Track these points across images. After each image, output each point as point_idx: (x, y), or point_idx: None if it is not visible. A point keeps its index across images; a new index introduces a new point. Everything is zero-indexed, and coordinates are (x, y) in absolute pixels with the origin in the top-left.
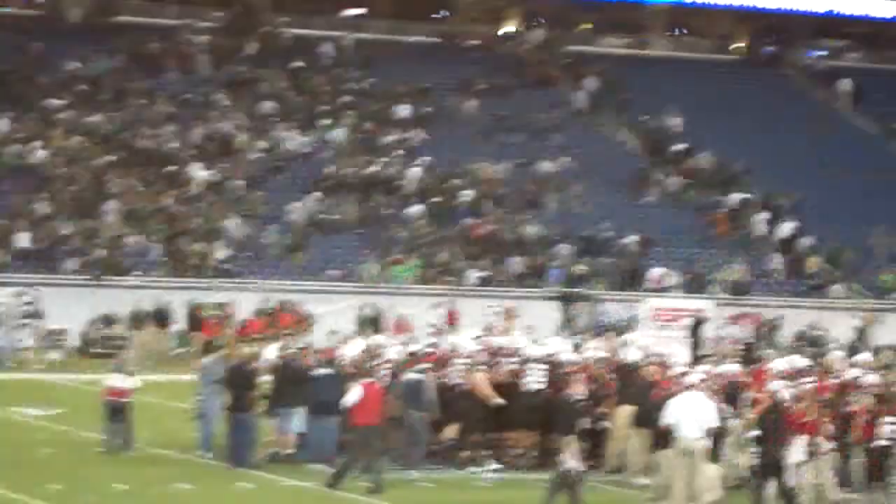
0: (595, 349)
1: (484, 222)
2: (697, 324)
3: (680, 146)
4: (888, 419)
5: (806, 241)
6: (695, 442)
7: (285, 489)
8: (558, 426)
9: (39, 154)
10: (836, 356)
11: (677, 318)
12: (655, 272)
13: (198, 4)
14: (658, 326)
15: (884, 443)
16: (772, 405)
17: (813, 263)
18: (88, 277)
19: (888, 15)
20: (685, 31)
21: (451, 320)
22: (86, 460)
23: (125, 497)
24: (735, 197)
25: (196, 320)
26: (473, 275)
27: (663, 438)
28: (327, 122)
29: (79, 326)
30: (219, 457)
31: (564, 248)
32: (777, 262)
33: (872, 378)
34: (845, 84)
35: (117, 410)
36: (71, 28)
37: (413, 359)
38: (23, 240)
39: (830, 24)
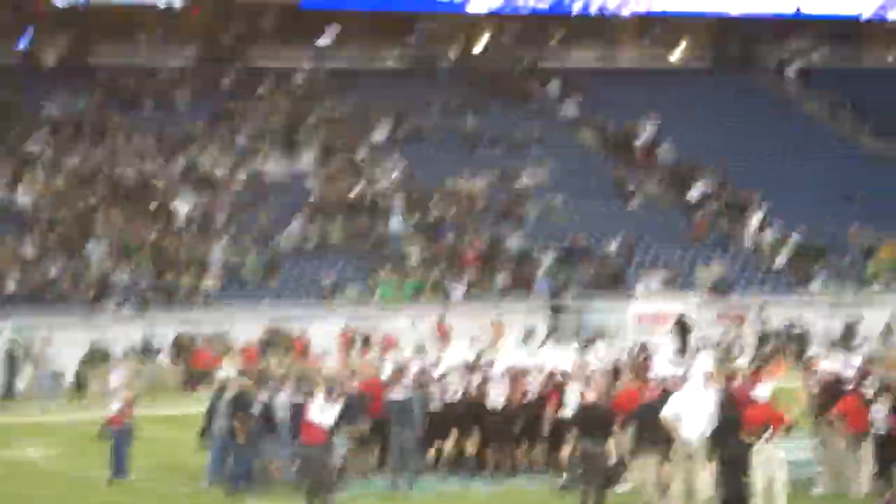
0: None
1: (468, 237)
2: (683, 325)
3: (642, 141)
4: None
5: (784, 237)
6: (695, 441)
7: None
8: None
9: (23, 198)
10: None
11: (661, 321)
12: (640, 279)
13: (172, 42)
14: (643, 330)
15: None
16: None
17: (792, 258)
18: (80, 316)
19: (857, 13)
20: (654, 40)
21: (442, 334)
22: (87, 496)
23: None
24: (700, 190)
25: (187, 351)
26: (460, 289)
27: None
28: (306, 148)
29: (73, 365)
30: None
31: (548, 259)
32: (756, 258)
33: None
34: (798, 75)
35: (116, 436)
36: (46, 72)
37: (400, 375)
38: (10, 283)
39: (799, 25)
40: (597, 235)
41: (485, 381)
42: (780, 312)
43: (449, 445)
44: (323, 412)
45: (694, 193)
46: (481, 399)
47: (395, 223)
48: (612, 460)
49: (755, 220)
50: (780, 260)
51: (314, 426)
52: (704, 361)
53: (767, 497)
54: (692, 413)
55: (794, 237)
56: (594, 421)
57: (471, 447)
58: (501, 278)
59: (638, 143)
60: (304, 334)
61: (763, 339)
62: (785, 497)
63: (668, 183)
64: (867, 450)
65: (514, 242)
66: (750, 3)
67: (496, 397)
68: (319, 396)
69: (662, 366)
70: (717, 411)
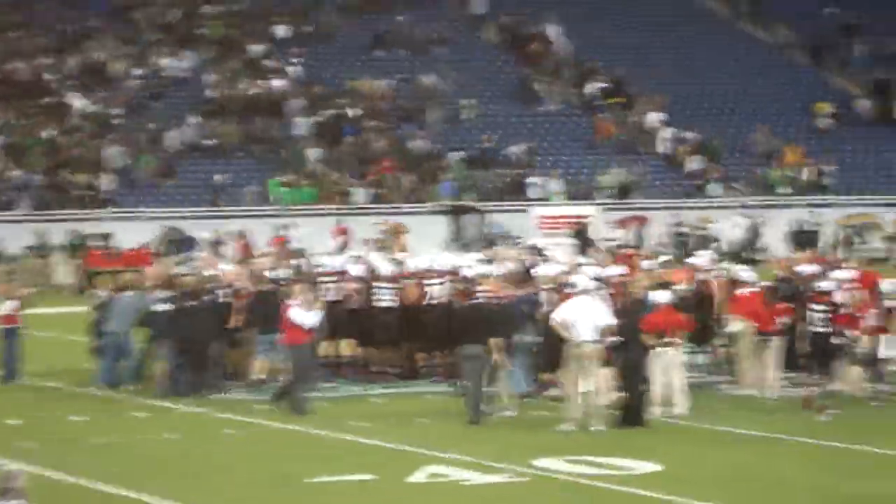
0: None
1: (370, 139)
2: (584, 229)
3: (542, 40)
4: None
5: (684, 140)
6: (589, 345)
7: (176, 416)
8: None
9: None
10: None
11: (563, 226)
12: (538, 181)
13: None
14: (544, 234)
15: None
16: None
17: (692, 162)
18: None
19: None
20: None
21: (341, 236)
22: None
23: (17, 431)
24: (596, 87)
25: (80, 251)
26: (362, 192)
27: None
28: (205, 45)
29: None
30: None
31: (451, 162)
32: (658, 162)
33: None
34: None
35: (7, 337)
36: None
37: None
38: None
39: None
40: (501, 140)
41: (374, 282)
42: (683, 215)
43: (332, 350)
44: (305, 314)
45: (590, 91)
46: (371, 301)
47: (295, 125)
48: (495, 360)
49: (657, 122)
50: (686, 163)
51: (298, 327)
52: (589, 267)
53: (667, 401)
54: (584, 317)
55: (694, 138)
56: (473, 322)
57: (347, 349)
58: (404, 181)
59: (537, 42)
60: (247, 236)
61: (678, 242)
62: (686, 401)
63: (571, 85)
64: (775, 349)
65: (417, 145)
66: None
67: (383, 299)
68: (299, 299)
69: (545, 267)
70: (616, 316)
